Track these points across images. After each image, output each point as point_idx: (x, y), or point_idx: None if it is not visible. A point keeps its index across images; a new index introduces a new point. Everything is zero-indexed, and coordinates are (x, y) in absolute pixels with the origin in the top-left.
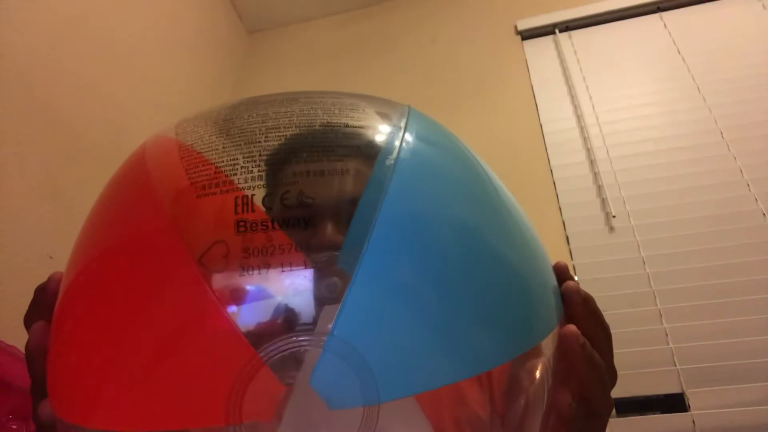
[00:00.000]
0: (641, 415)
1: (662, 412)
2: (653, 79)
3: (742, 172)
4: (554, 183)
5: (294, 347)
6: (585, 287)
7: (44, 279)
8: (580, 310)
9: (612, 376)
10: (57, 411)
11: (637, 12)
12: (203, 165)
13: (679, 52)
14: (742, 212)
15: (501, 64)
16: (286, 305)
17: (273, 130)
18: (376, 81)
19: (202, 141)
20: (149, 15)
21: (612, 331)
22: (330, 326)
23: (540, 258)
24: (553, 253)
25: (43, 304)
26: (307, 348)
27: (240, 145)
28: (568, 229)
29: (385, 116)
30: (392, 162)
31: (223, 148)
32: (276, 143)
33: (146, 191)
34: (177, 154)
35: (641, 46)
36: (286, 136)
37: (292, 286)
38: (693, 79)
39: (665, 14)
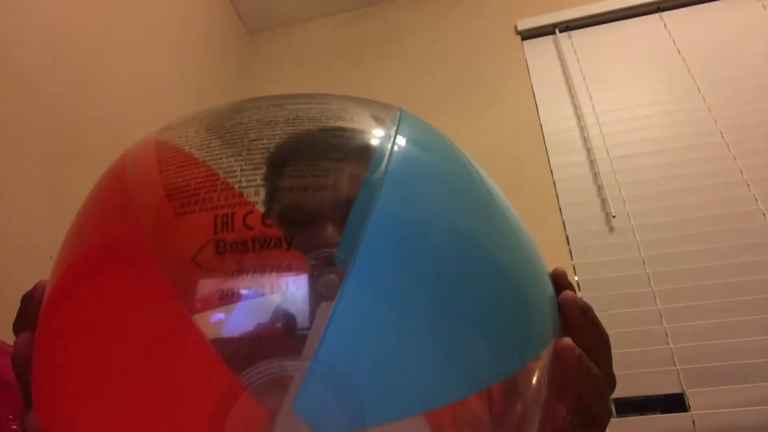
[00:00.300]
0: (641, 415)
1: (662, 412)
2: (653, 79)
3: (742, 172)
4: (554, 183)
5: (277, 372)
6: (585, 287)
7: (44, 279)
8: (578, 321)
9: (611, 384)
10: (40, 425)
11: (637, 12)
12: (183, 180)
13: (679, 52)
14: (742, 212)
15: (501, 64)
16: (273, 321)
17: (256, 142)
18: (376, 81)
19: (182, 154)
20: (149, 15)
21: (612, 331)
22: (314, 350)
23: (537, 265)
24: (553, 254)
25: (29, 313)
26: (290, 373)
27: (221, 159)
28: (568, 229)
29: (376, 120)
30: (382, 172)
31: (204, 162)
32: (259, 156)
33: (123, 208)
34: (156, 168)
35: (641, 46)
36: (269, 149)
37: (278, 299)
38: (693, 79)
39: (665, 14)
